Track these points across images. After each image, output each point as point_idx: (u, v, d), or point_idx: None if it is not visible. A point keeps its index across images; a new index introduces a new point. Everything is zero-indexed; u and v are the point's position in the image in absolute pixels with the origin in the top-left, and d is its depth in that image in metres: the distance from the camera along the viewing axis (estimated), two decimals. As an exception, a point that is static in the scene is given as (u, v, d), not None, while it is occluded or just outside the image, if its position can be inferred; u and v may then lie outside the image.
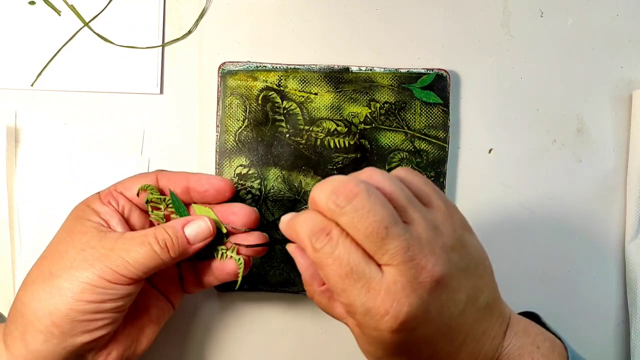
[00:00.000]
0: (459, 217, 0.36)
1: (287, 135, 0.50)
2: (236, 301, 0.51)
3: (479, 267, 0.35)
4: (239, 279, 0.42)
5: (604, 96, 0.53)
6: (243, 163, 0.50)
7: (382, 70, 0.50)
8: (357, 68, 0.50)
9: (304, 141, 0.50)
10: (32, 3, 0.50)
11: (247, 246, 0.42)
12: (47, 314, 0.37)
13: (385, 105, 0.50)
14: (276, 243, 0.50)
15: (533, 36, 0.52)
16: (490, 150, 0.52)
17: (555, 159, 0.52)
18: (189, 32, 0.51)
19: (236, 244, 0.42)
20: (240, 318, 0.51)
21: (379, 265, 0.32)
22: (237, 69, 0.50)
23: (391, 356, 0.34)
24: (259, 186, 0.50)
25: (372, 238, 0.31)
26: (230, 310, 0.51)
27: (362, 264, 0.32)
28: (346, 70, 0.50)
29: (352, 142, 0.50)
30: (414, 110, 0.50)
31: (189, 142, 0.51)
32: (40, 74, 0.50)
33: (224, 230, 0.42)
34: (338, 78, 0.50)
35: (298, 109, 0.50)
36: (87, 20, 0.50)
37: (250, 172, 0.50)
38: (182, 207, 0.42)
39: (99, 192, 0.42)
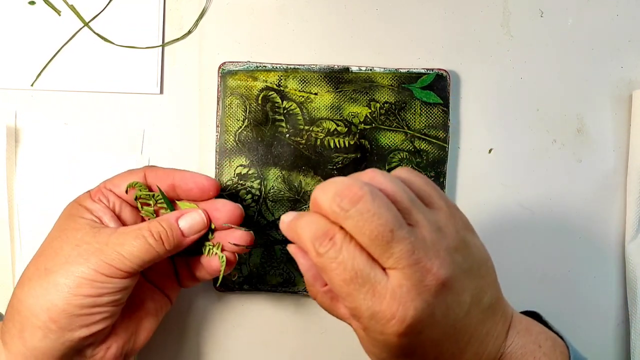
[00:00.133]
0: (461, 217, 0.35)
1: (287, 135, 0.50)
2: (236, 301, 0.51)
3: (482, 268, 0.35)
4: (220, 276, 0.43)
5: (604, 96, 0.53)
6: (243, 163, 0.50)
7: (382, 70, 0.50)
8: (357, 68, 0.50)
9: (304, 141, 0.50)
10: (32, 3, 0.50)
11: (235, 246, 0.42)
12: (44, 309, 0.37)
13: (385, 105, 0.50)
14: (276, 243, 0.50)
15: (533, 36, 0.52)
16: (490, 150, 0.52)
17: (555, 159, 0.52)
18: (189, 32, 0.51)
19: (227, 243, 0.43)
20: (240, 318, 0.51)
21: (384, 269, 0.32)
22: (237, 69, 0.50)
23: (396, 358, 0.34)
24: (259, 186, 0.50)
25: (378, 242, 0.31)
26: (230, 310, 0.51)
27: (367, 268, 0.31)
28: (346, 70, 0.50)
29: (352, 142, 0.50)
30: (414, 110, 0.50)
31: (189, 142, 0.51)
32: (40, 74, 0.50)
33: (212, 227, 0.43)
34: (338, 78, 0.50)
35: (298, 109, 0.50)
36: (87, 20, 0.50)
37: (250, 172, 0.50)
38: (169, 203, 0.43)
39: (89, 191, 0.42)
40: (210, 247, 0.43)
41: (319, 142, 0.50)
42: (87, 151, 0.50)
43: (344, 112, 0.50)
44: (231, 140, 0.50)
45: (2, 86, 0.50)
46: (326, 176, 0.50)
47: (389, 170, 0.50)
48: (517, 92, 0.52)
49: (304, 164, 0.50)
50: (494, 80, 0.52)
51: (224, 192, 0.50)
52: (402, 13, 0.52)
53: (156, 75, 0.51)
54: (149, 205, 0.43)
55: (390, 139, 0.50)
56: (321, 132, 0.50)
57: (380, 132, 0.50)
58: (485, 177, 0.52)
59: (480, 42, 0.52)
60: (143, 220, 0.44)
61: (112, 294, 0.38)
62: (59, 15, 0.50)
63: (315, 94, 0.50)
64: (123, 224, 0.42)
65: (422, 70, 0.50)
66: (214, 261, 0.43)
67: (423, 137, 0.50)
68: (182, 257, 0.44)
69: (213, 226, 0.43)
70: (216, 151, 0.50)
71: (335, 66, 0.50)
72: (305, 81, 0.50)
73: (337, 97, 0.50)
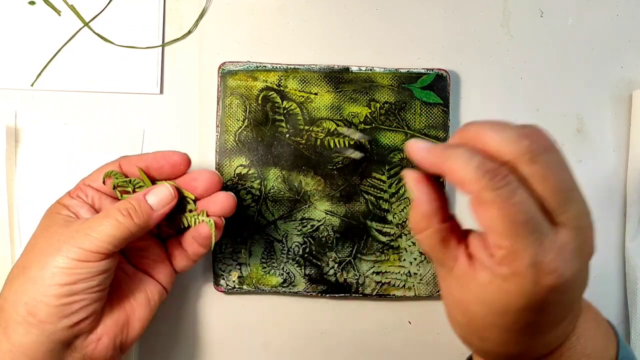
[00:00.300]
0: None
1: (287, 135, 0.50)
2: (236, 301, 0.51)
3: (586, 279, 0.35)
4: (213, 240, 0.43)
5: (604, 96, 0.53)
6: (243, 163, 0.50)
7: (382, 70, 0.50)
8: (357, 68, 0.50)
9: (304, 141, 0.50)
10: (32, 3, 0.50)
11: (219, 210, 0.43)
12: (23, 304, 0.38)
13: (385, 105, 0.50)
14: (275, 242, 0.50)
15: (533, 36, 0.52)
16: (490, 150, 0.52)
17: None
18: (189, 32, 0.51)
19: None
20: (240, 318, 0.51)
21: (552, 224, 0.31)
22: (237, 69, 0.50)
23: (501, 316, 0.32)
24: (259, 186, 0.50)
25: (558, 194, 0.30)
26: (230, 310, 0.51)
27: (539, 216, 0.30)
28: (346, 70, 0.50)
29: (352, 142, 0.50)
30: (414, 110, 0.50)
31: (189, 142, 0.51)
32: (40, 74, 0.50)
33: (192, 197, 0.43)
34: (338, 78, 0.50)
35: (298, 109, 0.50)
36: (87, 20, 0.50)
37: (250, 172, 0.50)
38: (149, 182, 0.44)
39: (69, 190, 0.43)
40: (196, 216, 0.43)
41: (319, 142, 0.50)
42: (87, 151, 0.50)
43: (344, 112, 0.50)
44: (231, 140, 0.50)
45: (2, 86, 0.50)
46: (326, 176, 0.50)
47: (388, 170, 0.50)
48: (517, 92, 0.52)
49: (304, 164, 0.50)
50: (494, 80, 0.52)
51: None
52: (402, 13, 0.52)
53: (156, 75, 0.51)
54: (127, 192, 0.43)
55: (390, 139, 0.50)
56: (321, 132, 0.50)
57: (380, 132, 0.50)
58: (485, 177, 0.52)
59: (480, 42, 0.52)
60: None
61: (87, 279, 0.38)
62: (59, 15, 0.50)
63: (315, 94, 0.50)
64: None
65: (422, 70, 0.50)
66: (202, 229, 0.43)
67: (423, 137, 0.50)
68: (176, 237, 0.45)
69: (194, 197, 0.43)
70: (216, 151, 0.50)
71: (335, 66, 0.50)
72: (305, 81, 0.50)
73: (337, 97, 0.50)
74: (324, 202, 0.50)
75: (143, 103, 0.51)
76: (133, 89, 0.51)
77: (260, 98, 0.50)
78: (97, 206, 0.43)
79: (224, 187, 0.49)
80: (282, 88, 0.50)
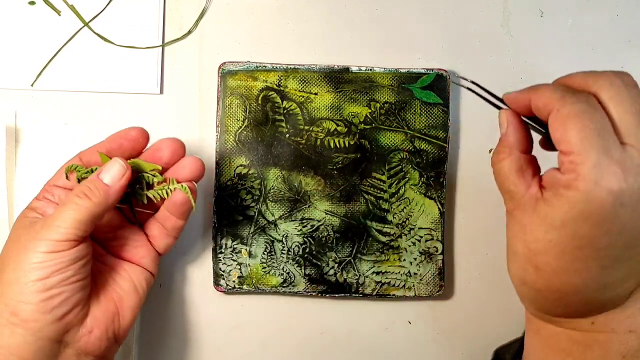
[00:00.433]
0: None
1: (287, 135, 0.50)
2: (236, 301, 0.51)
3: None
4: (193, 204, 0.43)
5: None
6: (243, 163, 0.50)
7: (382, 70, 0.50)
8: (357, 68, 0.50)
9: (304, 141, 0.50)
10: (32, 3, 0.50)
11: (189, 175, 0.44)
12: (4, 306, 0.38)
13: (385, 105, 0.50)
14: (275, 242, 0.50)
15: (533, 36, 0.52)
16: (490, 150, 0.52)
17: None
18: (189, 32, 0.51)
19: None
20: (240, 318, 0.51)
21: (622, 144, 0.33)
22: (237, 69, 0.50)
23: (560, 229, 0.34)
24: (259, 186, 0.50)
25: (632, 117, 0.33)
26: (230, 310, 0.51)
27: (610, 130, 0.33)
28: (346, 70, 0.50)
29: (352, 142, 0.50)
30: (414, 110, 0.50)
31: (189, 142, 0.51)
32: (40, 74, 0.50)
33: (159, 168, 0.43)
34: (338, 78, 0.50)
35: (298, 109, 0.50)
36: (87, 20, 0.50)
37: (250, 172, 0.50)
38: None
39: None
40: (166, 187, 0.43)
41: (319, 142, 0.50)
42: (87, 151, 0.50)
43: (344, 112, 0.50)
44: (231, 140, 0.50)
45: (2, 86, 0.50)
46: (326, 176, 0.50)
47: (388, 170, 0.50)
48: (517, 92, 0.52)
49: (304, 164, 0.50)
50: (494, 80, 0.52)
51: (224, 192, 0.50)
52: (402, 13, 0.52)
53: (156, 75, 0.51)
54: None
55: (390, 139, 0.50)
56: (321, 132, 0.50)
57: (380, 132, 0.50)
58: (485, 177, 0.52)
59: (480, 42, 0.52)
60: None
61: (61, 270, 0.38)
62: (59, 15, 0.50)
63: (315, 94, 0.50)
64: None
65: (422, 70, 0.50)
66: (176, 197, 0.43)
67: (423, 137, 0.50)
68: (153, 217, 0.45)
69: (160, 167, 0.43)
70: (216, 151, 0.50)
71: (335, 66, 0.50)
72: (305, 81, 0.50)
73: (337, 97, 0.50)
74: (324, 202, 0.50)
75: (143, 103, 0.51)
76: (133, 89, 0.51)
77: (260, 98, 0.50)
78: None
79: (224, 187, 0.50)
80: (282, 88, 0.50)
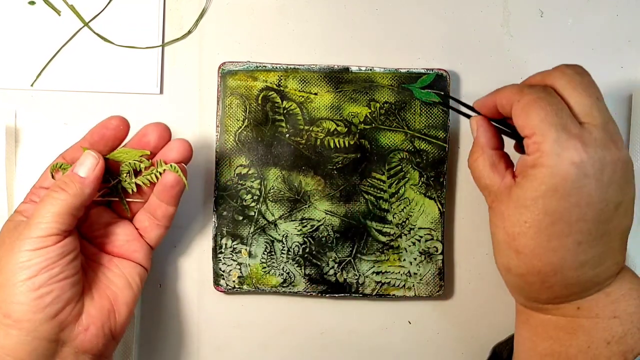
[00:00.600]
0: None
1: (287, 135, 0.50)
2: (236, 301, 0.51)
3: (625, 205, 0.37)
4: (185, 182, 0.43)
5: (604, 96, 0.52)
6: (243, 163, 0.50)
7: (382, 70, 0.50)
8: (357, 68, 0.50)
9: (304, 141, 0.50)
10: (32, 3, 0.50)
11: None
12: None
13: (385, 105, 0.50)
14: (275, 242, 0.50)
15: (533, 36, 0.52)
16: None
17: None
18: (189, 32, 0.51)
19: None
20: (240, 318, 0.51)
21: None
22: (237, 69, 0.50)
23: (531, 206, 0.36)
24: (259, 186, 0.50)
25: (585, 99, 0.36)
26: (230, 310, 0.51)
27: (567, 112, 0.36)
28: (346, 70, 0.50)
29: (352, 142, 0.50)
30: (414, 110, 0.50)
31: (189, 141, 0.51)
32: (40, 74, 0.50)
33: (147, 153, 0.43)
34: (338, 78, 0.50)
35: (298, 109, 0.50)
36: (87, 20, 0.50)
37: (250, 172, 0.50)
38: None
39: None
40: (155, 171, 0.43)
41: (319, 142, 0.50)
42: (87, 151, 0.50)
43: (344, 112, 0.50)
44: (231, 140, 0.50)
45: (2, 86, 0.50)
46: (326, 176, 0.50)
47: (388, 170, 0.50)
48: (517, 92, 0.52)
49: (304, 164, 0.50)
50: (494, 80, 0.52)
51: (224, 192, 0.50)
52: (402, 13, 0.52)
53: (156, 75, 0.51)
54: None
55: (390, 139, 0.50)
56: (321, 132, 0.50)
57: (380, 132, 0.50)
58: (485, 177, 0.52)
59: (480, 42, 0.52)
60: None
61: (48, 267, 0.39)
62: (59, 15, 0.50)
63: (315, 94, 0.50)
64: None
65: (422, 70, 0.50)
66: (167, 178, 0.43)
67: (423, 137, 0.50)
68: (144, 208, 0.45)
69: (149, 152, 0.44)
70: (216, 151, 0.50)
71: (335, 66, 0.50)
72: (305, 81, 0.50)
73: (337, 97, 0.50)
74: (324, 202, 0.50)
75: (143, 103, 0.51)
76: (133, 89, 0.51)
77: (260, 98, 0.50)
78: None
79: (224, 187, 0.50)
80: (282, 88, 0.50)
